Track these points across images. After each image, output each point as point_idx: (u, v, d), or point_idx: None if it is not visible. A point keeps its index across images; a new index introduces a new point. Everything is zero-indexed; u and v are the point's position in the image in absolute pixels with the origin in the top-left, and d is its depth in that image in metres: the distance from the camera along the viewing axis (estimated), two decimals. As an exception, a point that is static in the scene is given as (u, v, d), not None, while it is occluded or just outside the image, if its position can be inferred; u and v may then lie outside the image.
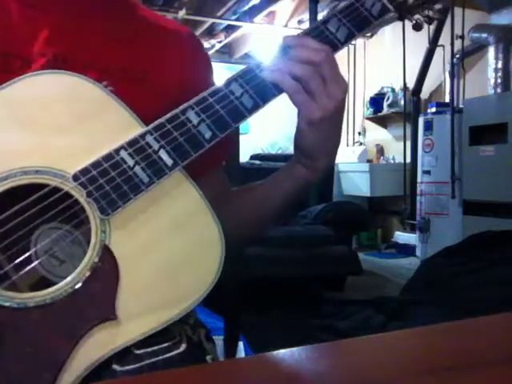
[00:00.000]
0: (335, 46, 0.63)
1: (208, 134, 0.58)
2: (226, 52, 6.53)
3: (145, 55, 0.71)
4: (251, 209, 0.73)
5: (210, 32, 5.83)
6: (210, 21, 5.47)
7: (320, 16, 4.95)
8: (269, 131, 6.00)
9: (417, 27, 0.71)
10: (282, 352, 0.45)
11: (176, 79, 0.71)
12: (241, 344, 1.22)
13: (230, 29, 5.78)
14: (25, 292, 0.51)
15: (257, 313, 2.52)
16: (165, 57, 0.72)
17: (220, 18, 5.40)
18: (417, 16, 0.70)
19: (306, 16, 5.15)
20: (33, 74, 0.55)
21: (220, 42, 5.99)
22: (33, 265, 0.53)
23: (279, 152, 6.05)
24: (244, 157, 3.96)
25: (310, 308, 2.74)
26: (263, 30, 5.67)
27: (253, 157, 4.18)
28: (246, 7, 5.16)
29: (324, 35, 0.63)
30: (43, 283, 0.53)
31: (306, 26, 5.29)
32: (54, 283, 0.52)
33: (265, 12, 5.29)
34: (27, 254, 0.53)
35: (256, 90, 0.60)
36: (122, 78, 0.59)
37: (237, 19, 5.38)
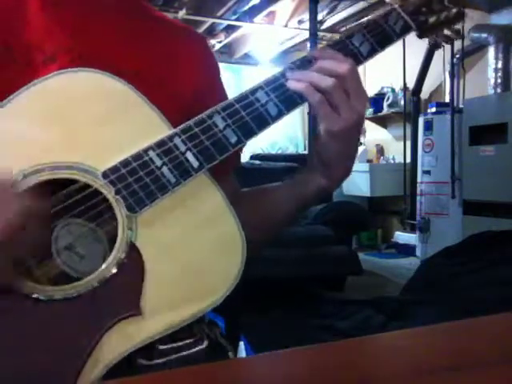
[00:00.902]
0: (358, 60, 0.65)
1: (233, 139, 0.60)
2: (226, 52, 6.52)
3: (159, 59, 0.72)
4: (264, 212, 0.74)
5: (210, 32, 5.82)
6: (210, 21, 5.46)
7: (320, 16, 4.95)
8: (269, 131, 5.96)
9: (435, 46, 0.72)
10: (282, 352, 0.45)
11: (190, 84, 0.72)
12: (241, 344, 1.22)
13: (230, 29, 5.78)
14: (44, 284, 0.52)
15: (257, 313, 2.52)
16: (179, 62, 0.73)
17: (220, 18, 5.40)
18: (435, 35, 0.71)
19: (306, 16, 5.14)
20: (65, 71, 0.57)
21: (220, 42, 5.99)
22: (57, 264, 0.54)
23: (279, 152, 6.05)
24: (244, 157, 3.97)
25: (309, 308, 2.74)
26: (263, 29, 5.67)
27: (253, 157, 4.18)
28: (246, 7, 5.15)
29: (348, 49, 0.65)
30: (62, 277, 0.54)
31: (306, 26, 5.28)
32: (73, 278, 0.54)
33: (265, 12, 5.29)
34: (50, 250, 0.54)
35: (281, 99, 0.62)
36: (136, 80, 0.60)
37: (237, 19, 5.37)
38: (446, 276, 2.63)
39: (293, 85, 0.62)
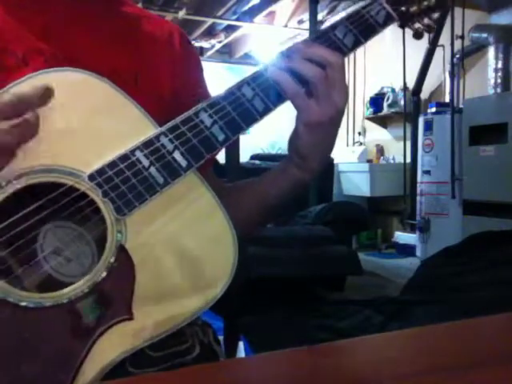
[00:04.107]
0: (342, 52, 0.64)
1: (221, 137, 0.59)
2: (226, 52, 6.53)
3: (135, 55, 0.70)
4: (246, 207, 0.72)
5: (210, 32, 5.83)
6: (210, 21, 5.47)
7: (320, 16, 4.95)
8: (269, 131, 6.00)
9: (417, 36, 0.72)
10: (282, 352, 0.45)
11: (168, 80, 0.71)
12: (241, 344, 1.22)
13: (230, 29, 5.78)
14: (31, 290, 0.51)
15: (257, 313, 2.52)
16: (156, 57, 0.72)
17: (220, 18, 5.40)
18: (417, 25, 0.71)
19: (305, 16, 5.14)
20: (42, 71, 0.55)
21: (220, 42, 5.99)
22: (44, 269, 0.53)
23: (279, 152, 6.05)
24: (244, 157, 3.96)
25: (310, 308, 2.74)
26: (263, 29, 5.67)
27: (253, 157, 4.18)
28: (246, 7, 5.16)
29: (332, 40, 0.64)
30: (49, 282, 0.53)
31: (306, 26, 5.29)
32: (60, 281, 0.53)
33: (265, 12, 5.30)
34: (38, 258, 0.53)
35: (267, 94, 0.62)
36: (114, 79, 0.58)
37: (237, 19, 5.38)
38: (446, 276, 2.63)
39: (271, 73, 0.61)
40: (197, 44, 6.17)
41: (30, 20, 0.65)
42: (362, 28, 0.65)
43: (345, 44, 0.65)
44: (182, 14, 5.08)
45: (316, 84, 0.60)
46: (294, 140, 0.66)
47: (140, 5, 4.66)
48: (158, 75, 0.71)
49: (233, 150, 1.01)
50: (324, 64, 0.61)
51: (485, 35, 4.06)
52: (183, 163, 0.56)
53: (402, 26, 0.71)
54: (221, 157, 0.95)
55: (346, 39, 0.65)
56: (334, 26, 0.65)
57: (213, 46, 6.17)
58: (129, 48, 0.70)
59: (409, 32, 0.72)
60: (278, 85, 0.61)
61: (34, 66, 0.60)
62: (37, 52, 0.63)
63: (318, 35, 0.65)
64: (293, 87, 0.61)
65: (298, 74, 0.61)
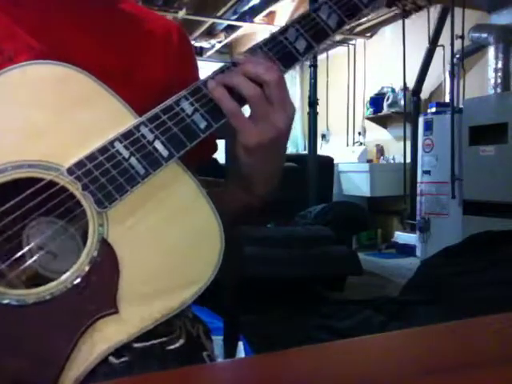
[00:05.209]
0: (326, 34, 0.62)
1: (203, 124, 0.58)
2: (226, 52, 6.53)
3: (128, 53, 0.70)
4: None
5: (210, 32, 5.83)
6: (210, 21, 5.47)
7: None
8: (269, 131, 5.99)
9: (405, 14, 0.70)
10: (282, 352, 0.45)
11: (161, 78, 0.71)
12: (241, 344, 1.22)
13: (229, 29, 5.79)
14: (19, 288, 0.51)
15: (257, 313, 2.52)
16: (150, 55, 0.71)
17: (220, 18, 5.40)
18: (405, 3, 0.69)
19: (305, 16, 5.14)
20: (21, 64, 0.54)
21: (220, 42, 5.99)
22: (29, 262, 0.52)
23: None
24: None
25: (310, 308, 2.74)
26: (263, 30, 5.67)
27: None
28: (246, 7, 5.16)
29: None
30: (37, 278, 0.52)
31: (305, 26, 5.28)
32: (47, 277, 0.52)
33: (265, 12, 5.30)
34: (22, 252, 0.52)
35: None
36: (103, 74, 0.57)
37: (237, 19, 5.38)
38: (446, 276, 2.63)
39: (211, 89, 0.58)
40: (197, 44, 6.17)
41: (24, 17, 0.65)
42: (346, 8, 0.63)
43: (329, 25, 0.62)
44: (182, 13, 5.08)
45: (252, 103, 0.57)
46: (233, 161, 0.62)
47: (140, 4, 4.66)
48: (151, 72, 0.70)
49: (233, 150, 1.01)
50: (259, 82, 0.57)
51: (485, 35, 4.06)
52: (164, 153, 0.56)
53: (389, 5, 0.69)
54: (221, 156, 0.95)
55: (330, 20, 0.62)
56: (317, 8, 0.62)
57: (213, 46, 6.18)
58: (121, 45, 0.70)
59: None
60: (216, 101, 0.58)
61: (20, 61, 0.58)
62: (25, 49, 0.62)
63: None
64: (230, 105, 0.57)
65: (236, 90, 0.58)
